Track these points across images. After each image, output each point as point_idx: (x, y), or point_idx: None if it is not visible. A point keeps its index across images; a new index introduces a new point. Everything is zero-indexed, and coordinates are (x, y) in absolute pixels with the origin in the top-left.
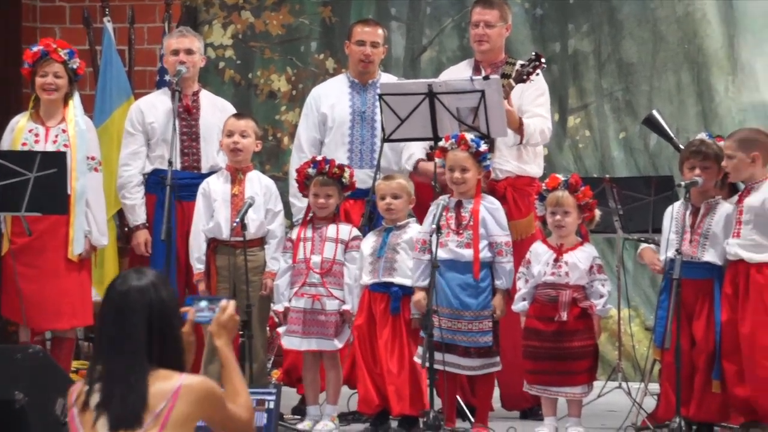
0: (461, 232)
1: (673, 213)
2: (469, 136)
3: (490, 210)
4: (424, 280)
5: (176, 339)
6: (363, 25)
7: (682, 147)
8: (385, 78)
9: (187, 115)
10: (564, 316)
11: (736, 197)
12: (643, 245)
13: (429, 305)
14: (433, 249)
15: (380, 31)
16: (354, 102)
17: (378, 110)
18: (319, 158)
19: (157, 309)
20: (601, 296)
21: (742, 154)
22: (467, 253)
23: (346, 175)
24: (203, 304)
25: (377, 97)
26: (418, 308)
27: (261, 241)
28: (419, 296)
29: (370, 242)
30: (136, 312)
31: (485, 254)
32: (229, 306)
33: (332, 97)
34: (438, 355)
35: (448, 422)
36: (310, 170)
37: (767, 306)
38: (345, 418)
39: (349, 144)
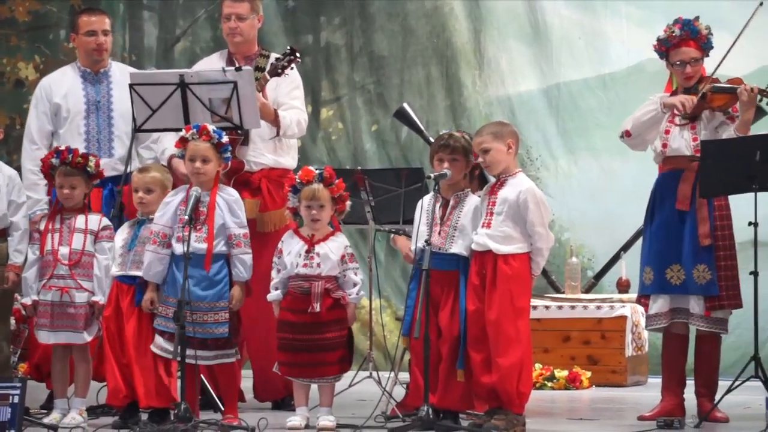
0: (200, 227)
1: (424, 205)
2: (211, 127)
3: (228, 201)
4: (160, 275)
5: None
6: (90, 15)
7: (432, 140)
8: (116, 67)
9: None
10: (317, 307)
11: (485, 189)
12: (395, 236)
13: (183, 298)
14: (182, 241)
15: (107, 19)
16: (88, 92)
17: (114, 100)
18: (62, 148)
19: None
20: (355, 284)
21: (498, 144)
22: (204, 247)
23: (91, 164)
24: None
25: (111, 86)
26: (145, 306)
27: (3, 233)
28: (150, 295)
29: (122, 234)
30: None
31: (221, 248)
32: None
33: (64, 88)
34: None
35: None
36: (54, 160)
37: (513, 296)
38: (94, 411)
39: (86, 134)
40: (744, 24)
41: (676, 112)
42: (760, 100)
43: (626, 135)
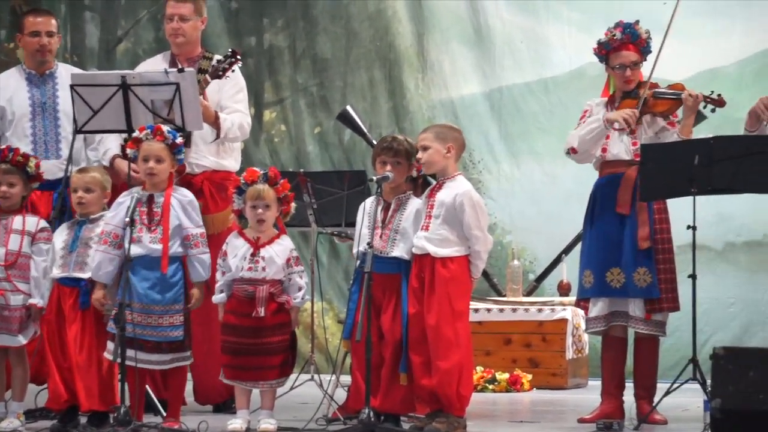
0: (154, 228)
1: (366, 208)
2: (166, 127)
3: (183, 203)
4: (110, 275)
5: None
6: (35, 16)
7: (375, 142)
8: (63, 68)
9: None
10: (261, 312)
11: (427, 191)
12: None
13: (123, 300)
14: (126, 243)
15: (53, 20)
16: (33, 94)
17: (60, 101)
18: (2, 146)
19: None
20: (300, 288)
21: (438, 145)
22: (159, 248)
23: (32, 164)
24: None
25: (57, 87)
26: (97, 305)
27: None
28: (99, 294)
29: (62, 235)
30: None
31: (176, 249)
32: None
33: (9, 90)
34: (130, 351)
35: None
36: None
37: (451, 299)
38: (32, 414)
39: (32, 136)
40: (670, 25)
41: (617, 126)
42: (705, 107)
43: (572, 152)
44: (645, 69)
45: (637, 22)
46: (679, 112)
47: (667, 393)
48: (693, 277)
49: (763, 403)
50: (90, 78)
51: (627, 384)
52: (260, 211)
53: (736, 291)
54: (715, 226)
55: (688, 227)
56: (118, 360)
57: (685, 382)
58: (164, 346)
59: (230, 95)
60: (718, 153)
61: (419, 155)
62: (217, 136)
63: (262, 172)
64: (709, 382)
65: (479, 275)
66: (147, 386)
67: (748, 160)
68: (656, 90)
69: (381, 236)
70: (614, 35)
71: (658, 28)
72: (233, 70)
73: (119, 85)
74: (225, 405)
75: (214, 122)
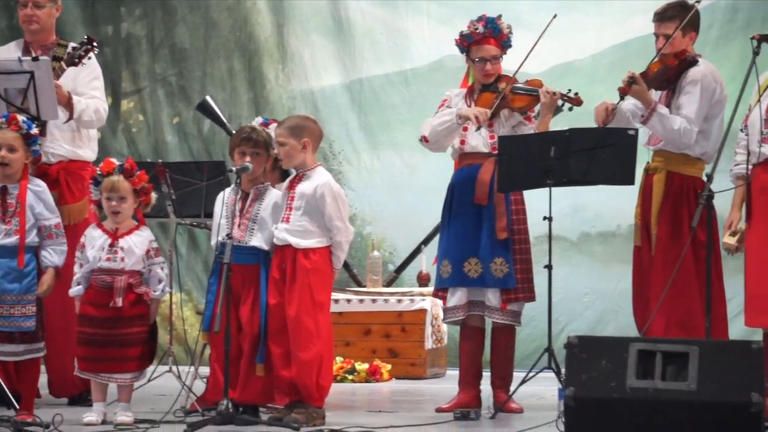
0: (8, 219)
1: (225, 198)
2: (21, 117)
3: (37, 193)
4: None
5: None
6: None
7: (234, 133)
8: None
9: None
10: (119, 302)
11: (286, 183)
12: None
13: None
14: None
15: None
16: None
17: None
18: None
19: None
20: (160, 280)
21: (293, 141)
22: (14, 239)
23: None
24: None
25: None
26: None
27: None
28: None
29: None
30: None
31: (33, 239)
32: None
33: None
34: None
35: None
36: None
37: (312, 290)
38: None
39: None
40: (541, 30)
41: (467, 124)
42: (562, 105)
43: (424, 140)
44: (507, 63)
45: (500, 17)
46: (537, 107)
47: (523, 382)
48: (549, 267)
49: (614, 391)
50: None
51: (484, 373)
52: (114, 203)
53: (591, 281)
54: (570, 217)
55: (545, 218)
56: None
57: (541, 371)
58: (17, 336)
59: (86, 82)
60: (574, 145)
61: (276, 150)
62: (70, 117)
63: (118, 163)
64: (563, 371)
65: (340, 266)
66: None
67: (602, 152)
68: (514, 85)
69: (239, 226)
70: (477, 29)
71: (517, 23)
72: (89, 57)
73: None
74: (81, 398)
75: (67, 104)
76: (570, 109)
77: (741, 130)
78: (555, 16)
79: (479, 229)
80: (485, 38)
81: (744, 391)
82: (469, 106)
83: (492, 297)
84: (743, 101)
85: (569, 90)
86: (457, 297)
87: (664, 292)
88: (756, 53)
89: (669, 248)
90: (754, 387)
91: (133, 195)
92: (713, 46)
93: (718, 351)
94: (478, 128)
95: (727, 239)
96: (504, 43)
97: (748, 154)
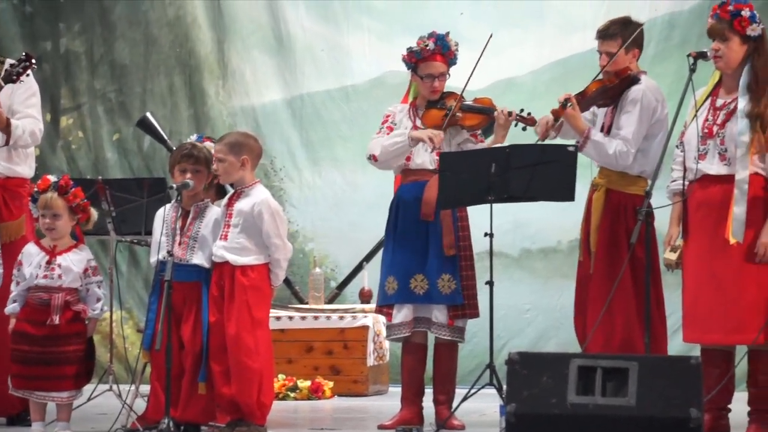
0: None
1: (165, 215)
2: None
3: None
4: None
5: None
6: None
7: (174, 149)
8: None
9: None
10: (56, 319)
11: (224, 200)
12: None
13: None
14: None
15: None
16: None
17: None
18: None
19: None
20: (98, 299)
21: (232, 158)
22: None
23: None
24: None
25: None
26: None
27: None
28: None
29: None
30: None
31: None
32: None
33: None
34: None
35: None
36: None
37: (251, 307)
38: None
39: None
40: (481, 47)
41: (420, 146)
42: (515, 125)
43: (373, 159)
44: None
45: (448, 33)
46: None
47: (465, 398)
48: (490, 283)
49: (555, 407)
50: None
51: (427, 390)
52: (48, 220)
53: (532, 297)
54: (511, 233)
55: (486, 234)
56: None
57: (483, 387)
58: None
59: (22, 100)
60: (514, 161)
61: (215, 166)
62: (7, 142)
63: (54, 180)
64: (505, 387)
65: (279, 283)
66: None
67: (542, 168)
68: (464, 103)
69: (180, 243)
70: (426, 45)
71: (455, 38)
72: (28, 74)
73: None
74: (19, 417)
75: (6, 128)
76: (524, 128)
77: (677, 146)
78: (491, 36)
79: (425, 245)
80: (433, 55)
81: (683, 406)
82: (414, 122)
83: (438, 313)
84: (680, 118)
85: (522, 110)
86: (403, 314)
87: (603, 309)
88: (692, 70)
89: (607, 265)
90: (693, 402)
91: (68, 212)
92: (650, 62)
93: (657, 366)
94: (433, 150)
95: (668, 255)
96: (451, 60)
97: (685, 170)
